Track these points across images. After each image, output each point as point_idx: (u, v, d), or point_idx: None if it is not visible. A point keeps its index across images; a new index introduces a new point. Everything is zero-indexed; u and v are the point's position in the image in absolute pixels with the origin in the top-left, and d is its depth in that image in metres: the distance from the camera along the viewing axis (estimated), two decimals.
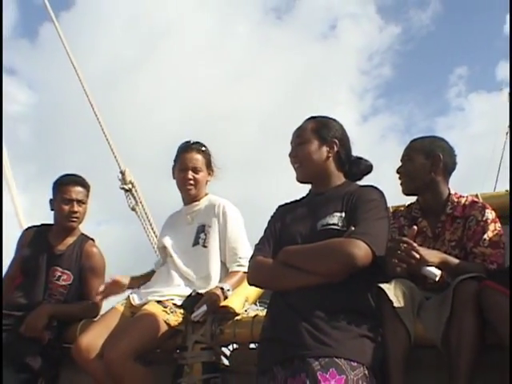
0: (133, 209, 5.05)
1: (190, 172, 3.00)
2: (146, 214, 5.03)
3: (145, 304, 2.76)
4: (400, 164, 2.56)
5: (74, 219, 3.14)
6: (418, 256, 2.07)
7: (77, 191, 3.14)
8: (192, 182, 3.00)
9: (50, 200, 3.22)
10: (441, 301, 2.11)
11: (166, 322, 2.64)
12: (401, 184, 2.54)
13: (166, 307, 2.69)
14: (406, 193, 2.55)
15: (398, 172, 2.55)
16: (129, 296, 2.88)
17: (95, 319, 2.96)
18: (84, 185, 3.21)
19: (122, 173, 5.06)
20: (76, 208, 3.13)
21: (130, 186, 5.08)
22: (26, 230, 3.33)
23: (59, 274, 3.09)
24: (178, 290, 2.82)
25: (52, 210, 3.21)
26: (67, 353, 2.75)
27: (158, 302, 2.73)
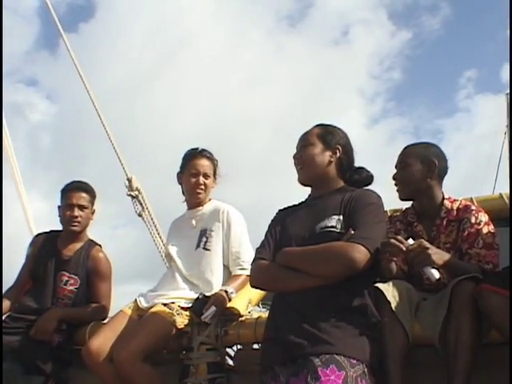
0: (139, 215, 5.11)
1: (202, 177, 3.09)
2: (152, 219, 5.10)
3: (152, 307, 2.83)
4: (395, 171, 2.62)
5: (75, 224, 3.20)
6: (403, 247, 2.09)
7: (78, 196, 3.21)
8: (203, 187, 3.10)
9: (58, 207, 3.29)
10: (438, 301, 2.16)
11: (172, 323, 2.70)
12: (397, 190, 2.60)
13: (172, 309, 2.76)
14: (403, 198, 2.61)
15: (394, 178, 2.61)
16: (136, 299, 2.95)
17: (104, 322, 3.03)
18: (87, 190, 3.27)
19: (129, 180, 5.12)
20: (76, 213, 3.18)
21: (136, 192, 5.13)
22: (37, 236, 3.40)
23: (66, 278, 3.16)
24: (183, 293, 2.89)
25: (59, 216, 3.28)
26: (77, 354, 2.81)
27: (165, 304, 2.80)
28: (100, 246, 3.33)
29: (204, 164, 3.11)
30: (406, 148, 2.64)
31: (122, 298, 3.12)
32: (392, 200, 2.69)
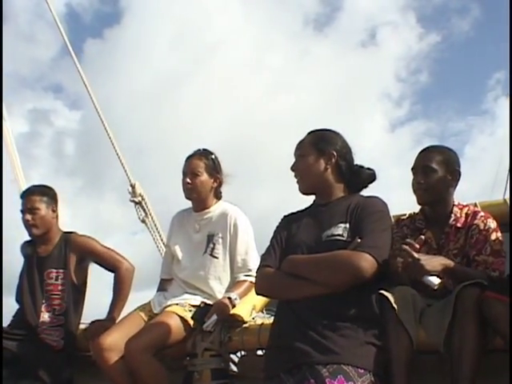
0: (143, 221, 5.11)
1: (189, 176, 3.05)
2: (155, 226, 5.10)
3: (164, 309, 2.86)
4: (419, 173, 2.52)
5: (29, 227, 3.20)
6: (416, 256, 2.11)
7: (30, 200, 3.21)
8: (190, 185, 3.04)
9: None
10: (442, 307, 2.16)
11: (183, 318, 2.74)
12: (419, 194, 2.51)
13: (183, 306, 2.80)
14: (421, 203, 2.54)
15: (418, 183, 2.50)
16: (150, 302, 2.98)
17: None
18: (35, 192, 3.26)
19: (132, 186, 5.12)
20: (27, 217, 3.18)
21: (139, 198, 5.14)
22: (23, 244, 3.38)
23: (55, 274, 3.15)
24: (192, 295, 2.92)
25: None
26: (81, 361, 2.83)
27: (176, 304, 2.83)
28: (73, 232, 3.30)
29: (191, 163, 3.07)
30: (426, 151, 2.55)
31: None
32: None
